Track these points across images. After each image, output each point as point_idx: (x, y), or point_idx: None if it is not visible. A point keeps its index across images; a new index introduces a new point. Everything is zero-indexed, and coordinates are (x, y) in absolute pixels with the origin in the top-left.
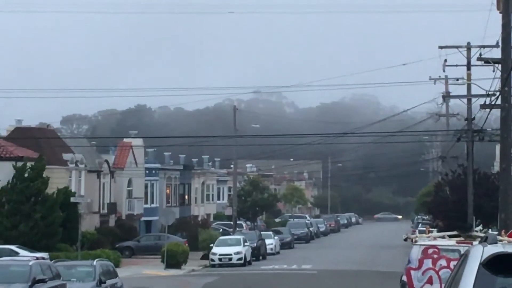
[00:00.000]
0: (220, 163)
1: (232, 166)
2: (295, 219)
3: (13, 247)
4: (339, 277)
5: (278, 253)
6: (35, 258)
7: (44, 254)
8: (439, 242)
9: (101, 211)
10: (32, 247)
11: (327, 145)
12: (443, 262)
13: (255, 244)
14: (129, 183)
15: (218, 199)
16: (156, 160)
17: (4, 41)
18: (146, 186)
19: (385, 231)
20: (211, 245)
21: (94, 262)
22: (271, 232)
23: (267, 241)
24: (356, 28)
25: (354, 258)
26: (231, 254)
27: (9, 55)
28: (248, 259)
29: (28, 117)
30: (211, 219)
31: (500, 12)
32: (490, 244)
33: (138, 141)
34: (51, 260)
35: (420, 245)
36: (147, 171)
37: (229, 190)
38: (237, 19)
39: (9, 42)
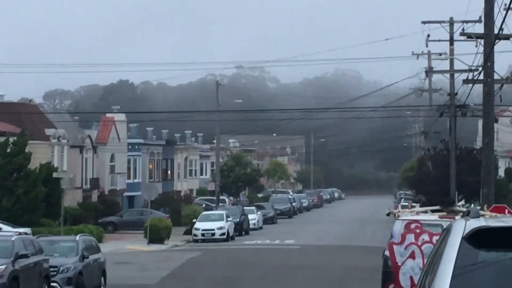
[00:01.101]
0: (203, 138)
1: (215, 141)
2: (278, 194)
3: None
4: (322, 252)
5: (261, 228)
6: (17, 233)
7: (27, 229)
8: (422, 217)
9: (84, 187)
10: (14, 222)
11: (309, 120)
12: (425, 237)
13: (238, 219)
14: (112, 158)
15: (201, 174)
16: (139, 135)
17: None
18: (128, 162)
19: (368, 206)
20: (194, 220)
21: (77, 238)
22: (254, 207)
23: (250, 216)
24: (339, 2)
25: (337, 233)
26: (214, 229)
27: None
28: (231, 234)
29: (10, 92)
30: (194, 194)
31: None
32: (472, 218)
33: (121, 116)
34: (33, 235)
35: (403, 220)
36: (129, 146)
37: (212, 165)
38: None
39: None
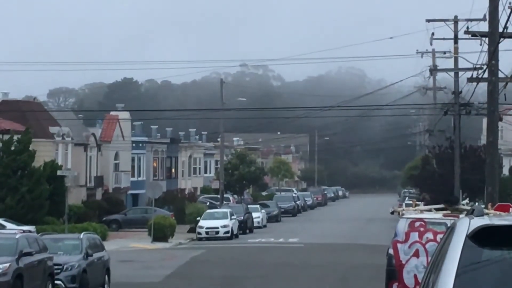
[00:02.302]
0: (207, 137)
1: (219, 139)
2: (282, 193)
3: None
4: (326, 250)
5: (265, 226)
6: (21, 231)
7: (31, 227)
8: (426, 215)
9: (88, 185)
10: (18, 220)
11: (314, 119)
12: (429, 235)
13: (242, 218)
14: (116, 156)
15: (205, 172)
16: (143, 134)
17: None
18: (133, 160)
19: (372, 205)
20: (198, 218)
21: (81, 235)
22: (258, 206)
23: (254, 215)
24: (343, 1)
25: (341, 232)
26: (218, 228)
27: None
28: (235, 232)
29: (14, 90)
30: (198, 192)
31: None
32: (476, 216)
33: (125, 114)
34: (37, 233)
35: (407, 218)
36: (134, 144)
37: (216, 164)
38: None
39: None
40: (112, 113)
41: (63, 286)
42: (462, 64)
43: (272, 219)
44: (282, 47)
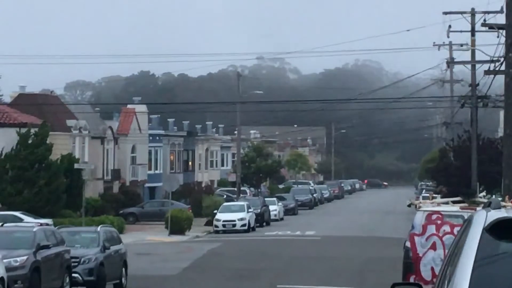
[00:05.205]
0: (223, 130)
1: (235, 132)
2: (299, 186)
3: (17, 213)
4: (343, 243)
5: (282, 219)
6: (39, 224)
7: (48, 220)
8: (443, 208)
9: (105, 178)
10: (36, 214)
11: (330, 111)
12: (446, 228)
13: (259, 211)
14: (133, 149)
15: (222, 165)
16: (160, 127)
17: (5, 6)
18: (150, 153)
19: (389, 197)
20: (215, 211)
21: (98, 228)
22: (275, 199)
23: (271, 208)
24: None
25: (358, 224)
26: (235, 221)
27: (12, 21)
28: (252, 225)
29: (32, 83)
30: (215, 185)
31: None
32: (493, 209)
33: (142, 108)
34: (55, 226)
35: (424, 211)
36: (150, 138)
37: (233, 157)
38: None
39: (11, 8)
40: (129, 106)
41: (80, 279)
42: (479, 56)
43: (289, 212)
44: (299, 40)
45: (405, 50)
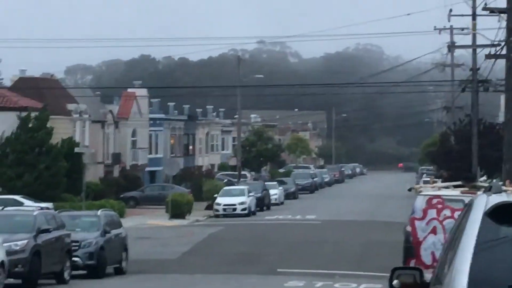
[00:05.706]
0: (224, 114)
1: (236, 116)
2: (299, 170)
3: (17, 197)
4: (343, 227)
5: (282, 203)
6: (39, 208)
7: (49, 204)
8: (444, 192)
9: (106, 162)
10: (36, 198)
11: (331, 95)
12: (447, 212)
13: (259, 195)
14: (134, 133)
15: (223, 149)
16: (161, 111)
17: None
18: (150, 137)
19: (389, 182)
20: (216, 195)
21: (99, 212)
22: (275, 183)
23: (272, 192)
24: None
25: (358, 208)
26: (235, 205)
27: (12, 4)
28: (252, 209)
29: (32, 67)
30: (216, 169)
31: None
32: (494, 194)
33: (143, 91)
34: (55, 210)
35: (425, 195)
36: (151, 122)
37: (234, 141)
38: None
39: None
40: (129, 90)
41: (81, 262)
42: (480, 40)
43: (289, 196)
44: (299, 23)
45: (406, 34)
